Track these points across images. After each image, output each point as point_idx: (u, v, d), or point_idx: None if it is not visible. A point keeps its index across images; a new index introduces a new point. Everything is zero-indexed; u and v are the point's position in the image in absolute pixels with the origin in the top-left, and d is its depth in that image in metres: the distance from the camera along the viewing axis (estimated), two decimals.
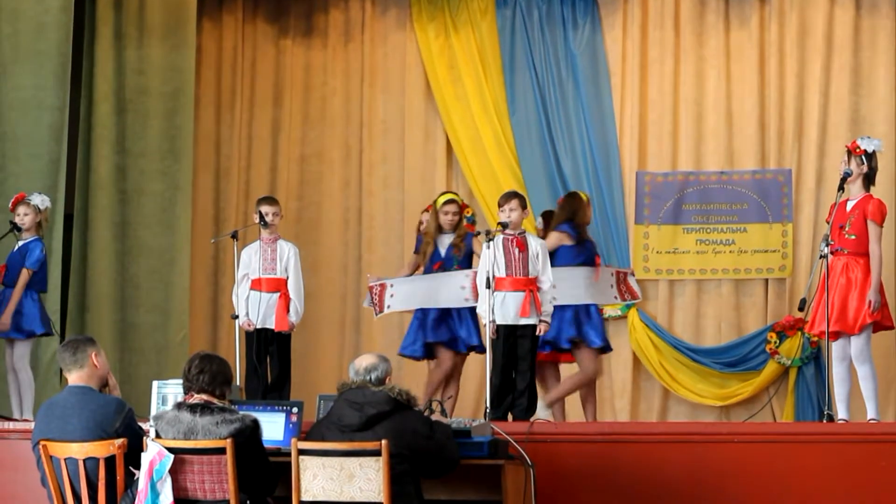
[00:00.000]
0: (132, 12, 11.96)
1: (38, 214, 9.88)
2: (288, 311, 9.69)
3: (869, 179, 8.68)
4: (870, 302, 8.42)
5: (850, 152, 8.63)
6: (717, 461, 7.74)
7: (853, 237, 8.54)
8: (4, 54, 10.90)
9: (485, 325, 8.97)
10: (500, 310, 8.88)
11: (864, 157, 8.62)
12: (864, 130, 11.31)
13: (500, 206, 9.13)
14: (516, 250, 8.99)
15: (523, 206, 9.15)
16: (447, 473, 6.75)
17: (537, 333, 8.96)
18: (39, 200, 9.91)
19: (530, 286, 8.93)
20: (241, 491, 6.33)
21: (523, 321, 8.90)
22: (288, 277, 9.75)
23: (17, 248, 9.82)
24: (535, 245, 9.07)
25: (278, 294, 9.70)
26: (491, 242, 8.89)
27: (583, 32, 12.31)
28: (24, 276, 9.69)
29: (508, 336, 8.91)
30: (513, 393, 8.98)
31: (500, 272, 8.93)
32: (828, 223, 8.66)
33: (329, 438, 6.54)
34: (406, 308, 9.98)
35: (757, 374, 11.68)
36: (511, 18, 12.43)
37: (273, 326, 9.68)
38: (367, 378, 6.63)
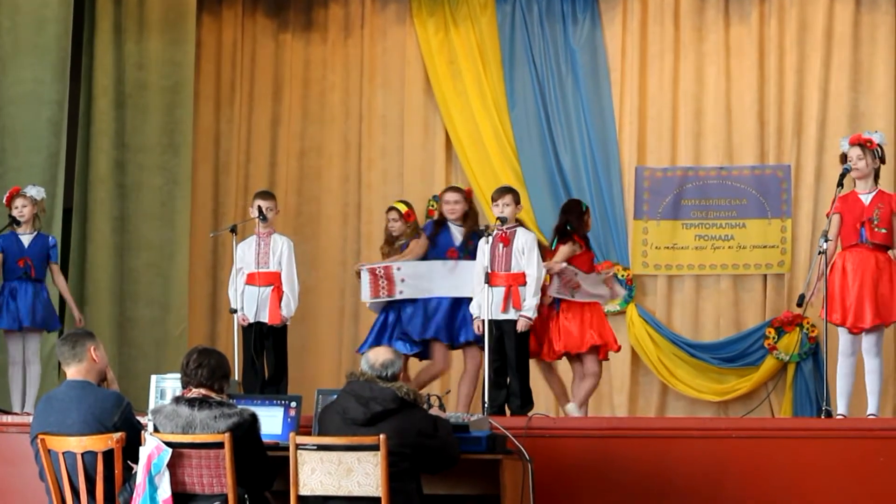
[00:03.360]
0: (132, 6, 11.97)
1: (34, 206, 9.90)
2: (281, 304, 9.70)
3: (877, 174, 8.71)
4: None
5: (863, 147, 8.63)
6: (715, 456, 7.75)
7: (884, 231, 8.56)
8: (4, 48, 10.91)
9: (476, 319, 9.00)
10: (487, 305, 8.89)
11: (876, 151, 8.65)
12: (863, 126, 11.29)
13: (493, 200, 9.13)
14: (500, 245, 8.99)
15: (517, 202, 9.15)
16: (447, 469, 6.76)
17: (517, 329, 8.94)
18: (35, 192, 9.93)
19: (511, 281, 8.92)
20: (239, 485, 6.33)
21: (502, 317, 8.90)
22: (281, 271, 9.76)
23: (28, 242, 9.80)
24: (522, 240, 9.03)
25: (271, 288, 9.71)
26: (490, 237, 8.90)
27: (582, 28, 12.31)
28: (57, 270, 9.80)
29: (496, 331, 8.91)
30: (508, 390, 8.99)
31: (489, 268, 8.92)
32: (828, 217, 8.65)
33: (331, 428, 6.55)
34: (419, 295, 9.78)
35: (755, 370, 11.68)
36: (511, 14, 12.43)
37: (266, 320, 9.69)
38: (383, 374, 6.62)
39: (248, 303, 9.72)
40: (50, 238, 10.00)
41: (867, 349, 8.57)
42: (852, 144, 8.69)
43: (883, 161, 8.73)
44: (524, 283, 8.95)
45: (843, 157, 8.78)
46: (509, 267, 8.98)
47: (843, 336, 8.60)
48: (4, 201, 9.93)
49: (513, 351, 8.96)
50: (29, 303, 9.68)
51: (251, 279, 9.74)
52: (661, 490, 7.73)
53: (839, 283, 8.52)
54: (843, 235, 8.61)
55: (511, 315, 8.92)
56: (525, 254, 9.00)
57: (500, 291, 8.91)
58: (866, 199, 8.63)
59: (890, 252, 8.59)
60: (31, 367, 9.71)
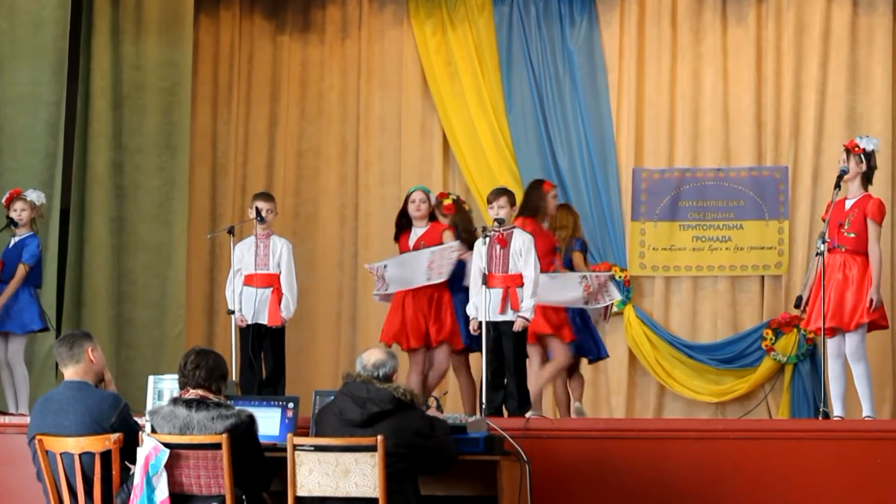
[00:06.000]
0: (129, 8, 11.97)
1: (33, 210, 9.89)
2: (280, 306, 9.71)
3: (867, 178, 8.71)
4: (871, 300, 8.44)
5: (848, 151, 8.65)
6: (713, 458, 7.75)
7: (852, 235, 8.55)
8: (1, 49, 10.90)
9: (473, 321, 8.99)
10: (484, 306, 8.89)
11: (862, 156, 8.63)
12: (860, 128, 11.32)
13: (489, 202, 9.13)
14: (497, 247, 8.99)
15: (512, 203, 9.15)
16: (444, 470, 6.76)
17: (513, 329, 8.94)
18: (35, 196, 9.92)
19: (509, 283, 8.92)
20: (237, 486, 6.33)
21: (500, 318, 8.90)
22: (280, 273, 9.76)
23: (12, 243, 9.81)
24: (519, 241, 9.02)
25: (271, 289, 9.71)
26: (487, 239, 8.90)
27: (580, 29, 12.32)
28: (21, 271, 9.70)
29: (494, 333, 8.92)
30: (505, 391, 8.99)
31: (486, 269, 8.93)
32: (824, 221, 8.67)
33: (328, 429, 6.54)
34: (397, 289, 9.83)
35: (753, 371, 11.69)
36: (508, 15, 12.44)
37: (265, 321, 9.70)
38: (375, 374, 6.63)
39: (246, 304, 9.71)
40: (28, 239, 9.83)
41: (849, 354, 8.57)
42: (843, 148, 8.74)
43: (870, 166, 8.71)
44: (521, 285, 8.95)
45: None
46: (507, 268, 8.97)
47: (829, 339, 8.61)
48: (3, 202, 9.92)
49: (511, 352, 8.94)
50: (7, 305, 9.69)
51: (249, 280, 9.74)
52: (659, 491, 7.73)
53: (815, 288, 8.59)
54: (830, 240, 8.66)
55: (509, 316, 8.92)
56: (522, 255, 9.00)
57: (497, 293, 8.90)
58: (848, 203, 8.65)
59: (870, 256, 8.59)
60: (14, 368, 9.69)
